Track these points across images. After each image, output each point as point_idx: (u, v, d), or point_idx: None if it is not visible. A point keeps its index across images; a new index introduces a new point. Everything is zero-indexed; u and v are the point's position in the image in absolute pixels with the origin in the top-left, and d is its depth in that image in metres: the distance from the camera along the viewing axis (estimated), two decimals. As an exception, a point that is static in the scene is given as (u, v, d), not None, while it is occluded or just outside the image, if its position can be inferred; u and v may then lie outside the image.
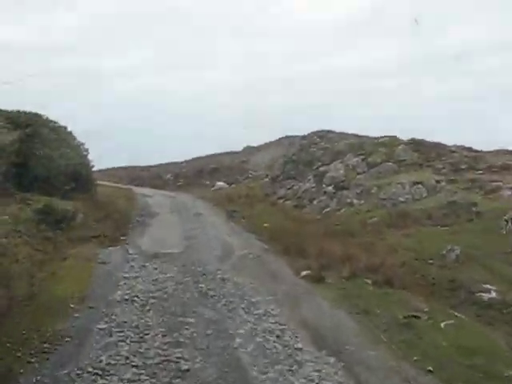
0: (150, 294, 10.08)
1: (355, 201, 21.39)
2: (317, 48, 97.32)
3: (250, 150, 54.34)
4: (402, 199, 19.82)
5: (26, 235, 14.27)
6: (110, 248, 14.66)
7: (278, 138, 54.18)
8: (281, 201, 27.45)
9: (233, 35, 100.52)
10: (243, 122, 78.49)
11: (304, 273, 11.46)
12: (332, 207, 22.30)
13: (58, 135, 22.32)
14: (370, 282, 10.76)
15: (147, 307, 9.34)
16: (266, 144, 55.60)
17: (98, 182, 39.59)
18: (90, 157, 24.70)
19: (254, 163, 49.57)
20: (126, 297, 9.89)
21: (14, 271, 11.35)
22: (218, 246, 15.37)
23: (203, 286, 10.76)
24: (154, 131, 73.62)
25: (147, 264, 12.75)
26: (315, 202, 23.74)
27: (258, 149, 54.81)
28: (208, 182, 44.07)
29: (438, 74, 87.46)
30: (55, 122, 23.26)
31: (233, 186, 40.13)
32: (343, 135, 30.77)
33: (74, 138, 24.42)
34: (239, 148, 54.46)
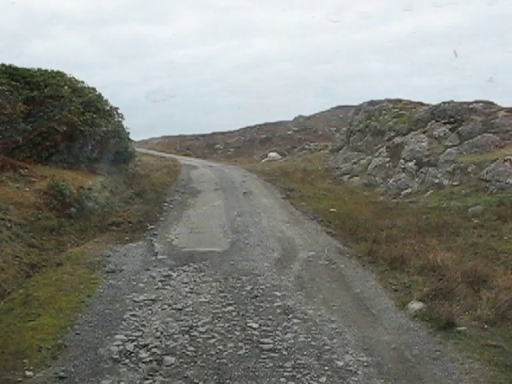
0: (168, 343, 6.16)
1: (446, 181, 16.80)
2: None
3: (302, 120, 50.47)
4: (512, 181, 15.18)
5: (19, 225, 10.68)
6: (130, 244, 10.92)
7: (331, 107, 50.77)
8: (345, 177, 23.15)
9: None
10: (294, 91, 73.98)
11: (414, 307, 7.10)
12: (414, 188, 17.82)
13: (85, 98, 18.62)
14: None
15: (157, 376, 5.43)
16: (319, 113, 51.55)
17: (146, 150, 36.80)
18: (125, 124, 20.79)
19: (309, 133, 45.77)
20: (129, 347, 6.02)
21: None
22: (274, 242, 11.34)
23: (255, 325, 6.73)
24: (205, 101, 70.42)
25: (174, 274, 8.91)
26: (391, 181, 19.32)
27: (310, 118, 50.83)
28: (259, 153, 40.48)
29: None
30: (82, 82, 19.54)
31: (286, 157, 36.13)
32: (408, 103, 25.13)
33: (106, 102, 20.63)
34: (290, 117, 50.92)
